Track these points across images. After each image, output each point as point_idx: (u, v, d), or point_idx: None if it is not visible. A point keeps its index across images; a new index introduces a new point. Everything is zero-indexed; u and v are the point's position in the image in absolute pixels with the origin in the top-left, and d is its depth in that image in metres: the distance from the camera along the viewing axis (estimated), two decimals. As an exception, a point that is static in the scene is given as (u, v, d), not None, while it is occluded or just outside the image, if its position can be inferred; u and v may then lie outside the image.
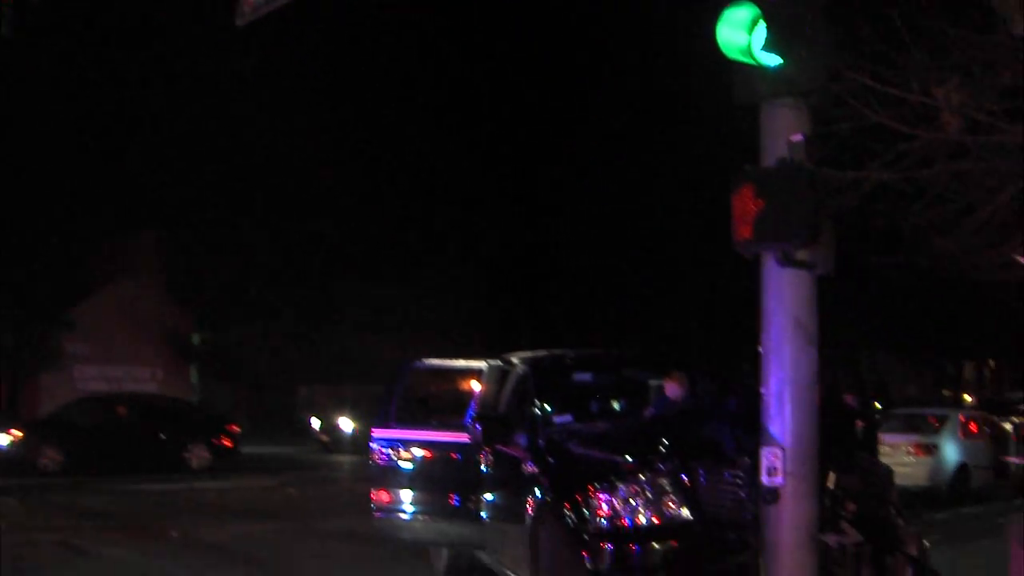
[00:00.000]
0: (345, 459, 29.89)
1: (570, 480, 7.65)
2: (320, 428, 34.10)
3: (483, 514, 9.76)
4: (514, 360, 10.07)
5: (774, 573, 6.87)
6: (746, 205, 6.64)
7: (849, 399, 14.41)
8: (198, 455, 24.82)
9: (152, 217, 37.60)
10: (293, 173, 36.78)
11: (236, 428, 26.43)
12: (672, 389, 9.54)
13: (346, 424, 32.76)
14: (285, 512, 17.40)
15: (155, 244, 39.70)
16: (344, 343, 40.44)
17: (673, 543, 7.06)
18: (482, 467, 9.83)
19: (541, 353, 9.98)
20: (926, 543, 8.20)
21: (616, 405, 10.30)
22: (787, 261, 6.68)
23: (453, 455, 10.34)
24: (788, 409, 6.82)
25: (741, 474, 7.26)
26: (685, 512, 7.12)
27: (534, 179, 39.56)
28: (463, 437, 10.03)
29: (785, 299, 6.84)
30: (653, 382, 9.97)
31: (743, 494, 7.23)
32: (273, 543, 13.20)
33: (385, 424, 10.90)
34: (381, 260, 40.38)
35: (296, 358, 40.03)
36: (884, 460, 19.67)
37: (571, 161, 38.42)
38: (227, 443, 25.82)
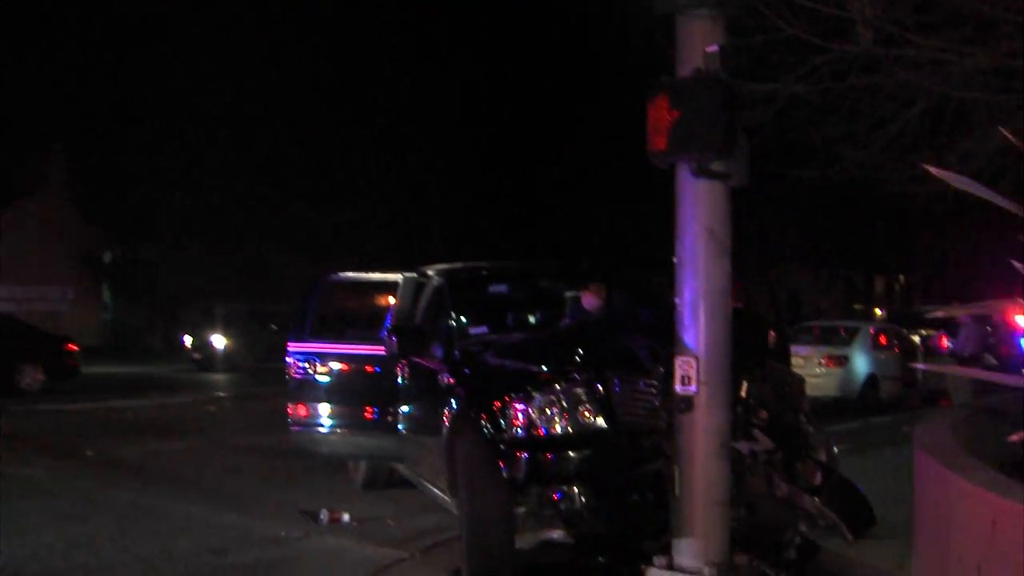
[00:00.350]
0: (219, 377, 29.82)
1: (486, 391, 7.67)
2: (192, 346, 33.86)
3: (400, 426, 9.80)
4: (430, 272, 10.04)
5: (687, 480, 6.98)
6: (661, 115, 6.63)
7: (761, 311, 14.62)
8: (31, 376, 23.31)
9: (60, 132, 36.71)
10: (208, 90, 36.01)
11: (75, 347, 24.92)
12: (589, 300, 9.59)
13: (218, 341, 32.87)
14: (202, 429, 17.27)
15: (64, 160, 38.85)
16: (260, 260, 40.05)
17: (588, 451, 7.09)
18: (399, 380, 9.84)
19: (457, 265, 9.95)
20: (836, 450, 8.38)
21: (532, 317, 10.33)
22: (701, 172, 6.70)
23: (370, 368, 10.37)
24: (702, 319, 6.88)
25: (656, 383, 7.30)
26: (600, 421, 7.15)
27: (451, 87, 39.09)
28: (380, 350, 9.99)
29: (699, 210, 6.87)
30: (569, 294, 10.01)
31: (657, 403, 7.28)
32: (189, 460, 13.13)
33: (301, 338, 10.83)
34: (298, 178, 39.85)
35: (210, 276, 39.54)
36: (796, 371, 20.10)
37: (487, 73, 38.04)
38: (70, 363, 24.47)
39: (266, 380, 23.32)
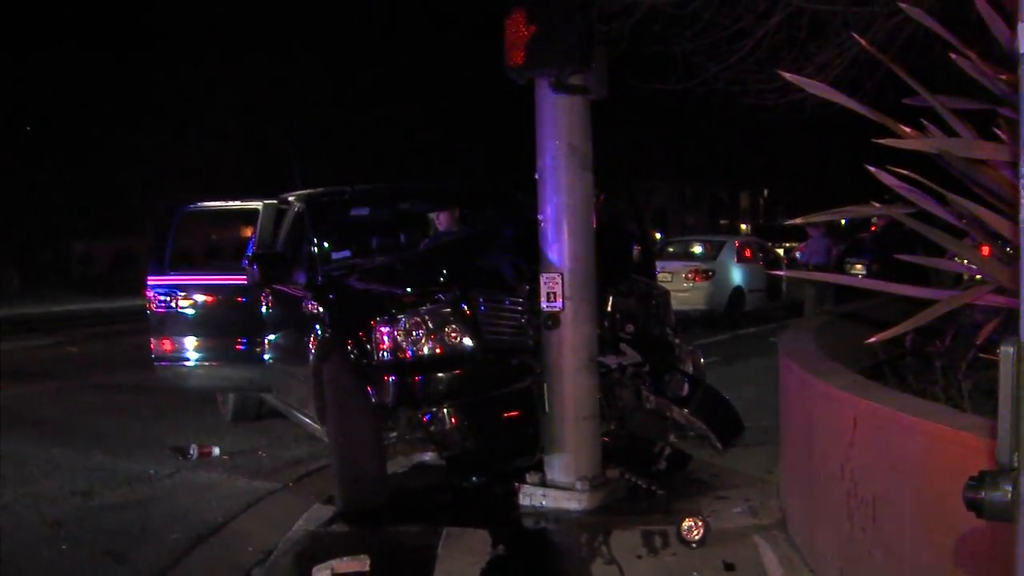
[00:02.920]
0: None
1: (351, 315, 7.53)
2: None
3: (267, 356, 9.64)
4: (290, 199, 9.76)
5: (556, 396, 7.02)
6: (518, 30, 6.54)
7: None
8: None
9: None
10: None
11: None
12: (443, 222, 9.53)
13: None
14: (64, 371, 16.81)
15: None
16: (117, 195, 39.01)
17: (456, 372, 6.99)
18: (262, 308, 9.67)
19: (318, 190, 9.75)
20: (703, 361, 8.50)
21: (395, 239, 10.21)
22: (560, 86, 6.66)
23: (236, 299, 10.12)
24: (565, 234, 6.89)
25: (521, 301, 7.28)
26: (467, 341, 7.05)
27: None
28: (243, 280, 9.71)
29: (559, 125, 6.85)
30: (432, 215, 9.92)
31: (524, 320, 7.27)
32: (52, 402, 12.76)
33: (160, 271, 10.49)
34: (151, 107, 38.84)
35: (66, 214, 38.40)
36: (665, 286, 20.40)
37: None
38: None
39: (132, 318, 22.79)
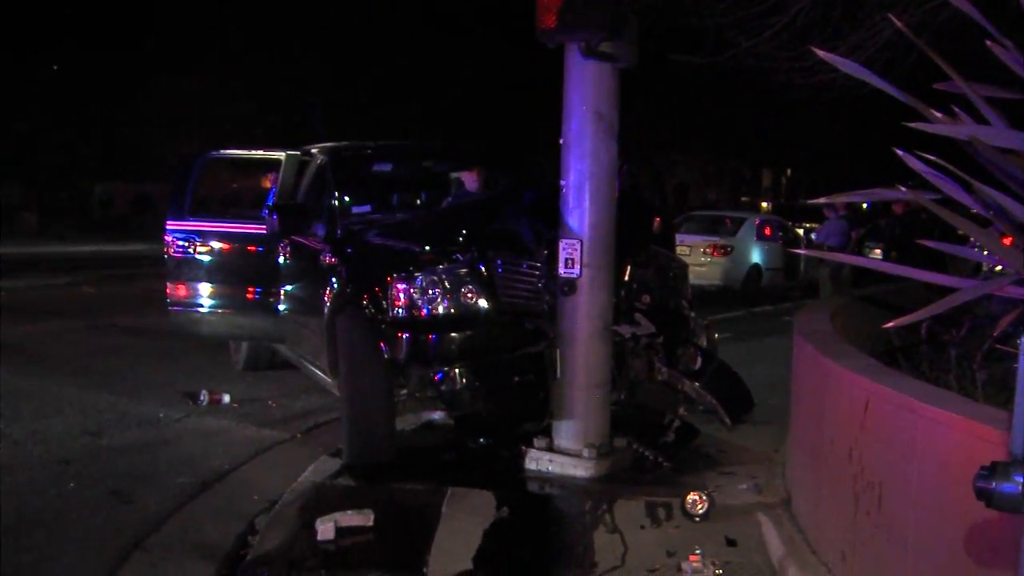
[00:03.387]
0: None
1: (368, 270, 7.56)
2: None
3: (281, 306, 9.65)
4: (313, 151, 9.76)
5: (569, 362, 7.02)
6: (551, -7, 6.50)
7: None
8: None
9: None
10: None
11: None
12: (470, 182, 9.53)
13: None
14: (79, 311, 16.86)
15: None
16: (140, 139, 39.02)
17: (470, 332, 7.02)
18: (280, 259, 9.67)
19: (342, 143, 9.73)
20: (716, 336, 8.49)
21: (416, 197, 10.19)
22: (590, 52, 6.63)
23: (252, 248, 10.12)
24: (587, 201, 6.87)
25: (539, 265, 7.28)
26: (482, 302, 7.09)
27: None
28: (262, 229, 9.82)
29: (587, 91, 6.82)
30: (454, 175, 9.89)
31: (541, 284, 7.28)
32: (64, 341, 12.80)
33: (180, 216, 10.45)
34: (179, 54, 38.81)
35: (88, 154, 38.39)
36: (682, 259, 20.34)
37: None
38: None
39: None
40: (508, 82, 36.98)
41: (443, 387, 7.00)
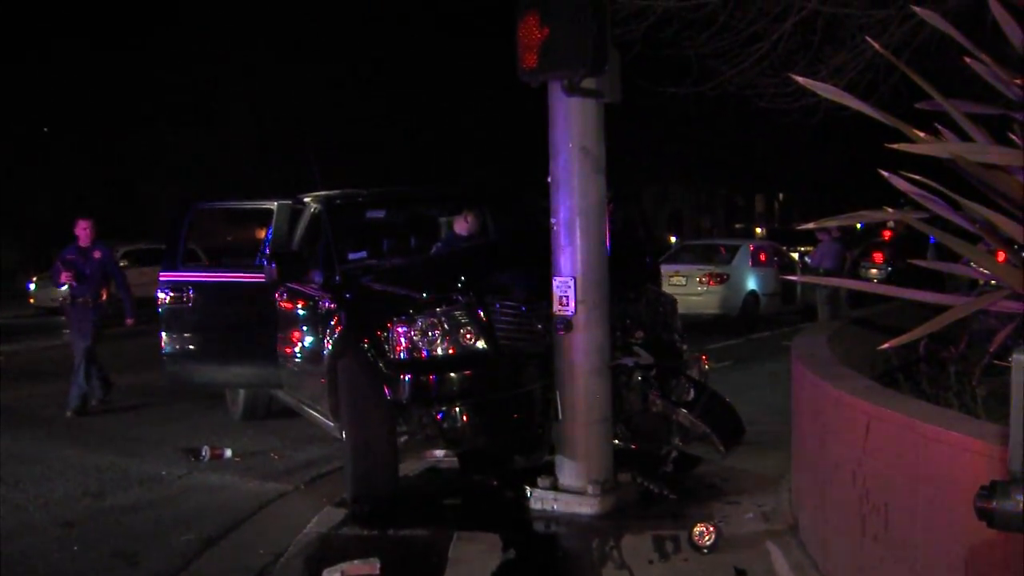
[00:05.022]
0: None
1: (369, 315, 7.70)
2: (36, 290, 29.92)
3: (279, 352, 9.64)
4: (306, 199, 9.86)
5: (569, 398, 7.01)
6: (531, 33, 6.53)
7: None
8: None
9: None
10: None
11: None
12: (461, 226, 9.65)
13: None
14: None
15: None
16: (138, 196, 39.10)
17: (469, 372, 7.18)
18: (277, 305, 9.70)
19: (334, 192, 9.79)
20: (706, 367, 8.48)
21: (408, 242, 10.23)
22: (573, 89, 6.63)
23: (245, 295, 10.14)
24: (578, 238, 6.88)
25: (537, 307, 7.39)
26: (480, 343, 7.23)
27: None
28: (253, 277, 9.94)
29: (572, 128, 6.83)
30: (443, 219, 9.94)
31: (539, 327, 7.38)
32: (64, 403, 12.73)
33: (172, 267, 10.49)
34: (175, 107, 39.00)
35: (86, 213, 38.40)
36: (678, 290, 20.49)
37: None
38: None
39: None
40: (500, 119, 37.10)
41: (445, 425, 7.11)
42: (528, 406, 7.30)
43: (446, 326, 7.22)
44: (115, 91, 37.62)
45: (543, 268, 7.22)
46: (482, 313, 7.31)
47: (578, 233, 6.87)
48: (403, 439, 7.55)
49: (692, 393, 7.52)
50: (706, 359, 8.50)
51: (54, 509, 8.18)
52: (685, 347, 8.45)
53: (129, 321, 13.02)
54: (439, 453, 8.50)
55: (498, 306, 7.41)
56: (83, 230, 12.72)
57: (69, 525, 7.70)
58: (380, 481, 7.36)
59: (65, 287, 12.49)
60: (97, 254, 12.68)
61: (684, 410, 7.43)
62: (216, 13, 37.26)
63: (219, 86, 38.76)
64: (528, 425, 7.35)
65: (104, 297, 12.77)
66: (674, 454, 7.70)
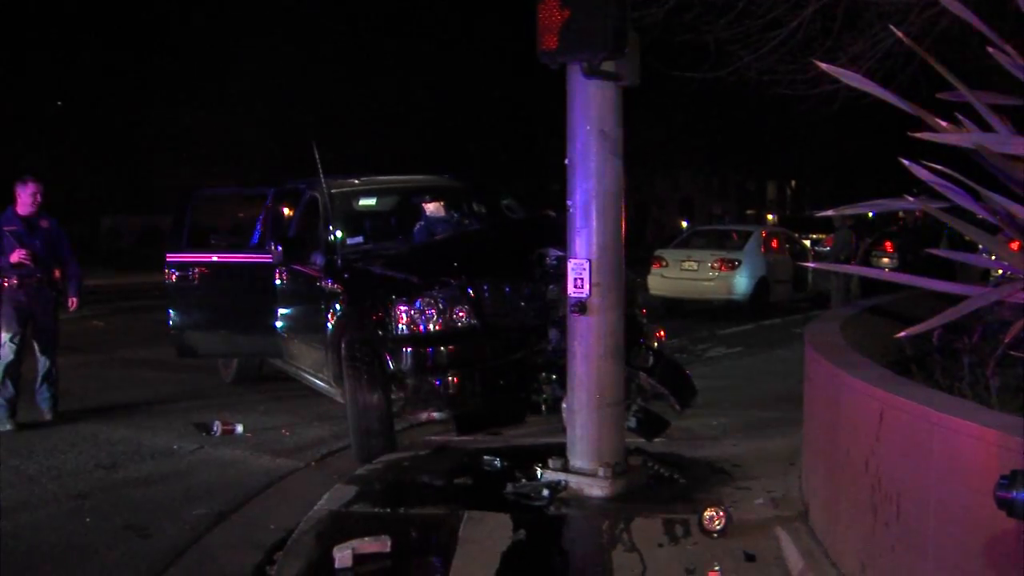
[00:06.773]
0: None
1: (371, 294, 8.68)
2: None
3: (279, 326, 10.74)
4: (302, 186, 10.95)
5: (581, 381, 7.02)
6: (552, 15, 6.51)
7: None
8: None
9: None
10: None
11: None
12: (435, 209, 10.50)
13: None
14: (90, 345, 16.82)
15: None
16: (147, 170, 39.15)
17: (461, 344, 8.28)
18: (277, 284, 10.66)
19: (332, 179, 10.26)
20: (663, 338, 9.31)
21: (399, 225, 10.85)
22: (592, 72, 6.62)
23: (245, 274, 11.09)
24: (594, 220, 6.86)
25: (521, 287, 8.57)
26: (471, 320, 8.35)
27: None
28: (252, 258, 11.08)
29: (590, 110, 6.82)
30: (416, 200, 10.80)
31: (521, 304, 8.58)
32: (77, 375, 12.78)
33: (178, 248, 11.45)
34: (183, 86, 38.98)
35: (95, 187, 38.48)
36: (690, 275, 20.67)
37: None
38: None
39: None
40: (512, 102, 37.04)
41: (441, 391, 8.18)
42: (512, 373, 8.29)
43: (441, 305, 8.29)
44: (131, 72, 37.72)
45: (522, 254, 8.50)
46: (472, 293, 8.39)
47: (594, 216, 6.86)
48: (400, 398, 8.38)
49: (651, 360, 8.31)
50: (663, 334, 9.44)
51: (66, 481, 8.23)
52: (645, 320, 9.24)
53: (73, 302, 10.85)
54: (436, 415, 8.88)
55: (485, 287, 8.49)
56: (30, 195, 10.37)
57: (82, 497, 7.75)
58: (377, 439, 8.40)
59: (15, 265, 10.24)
60: (44, 223, 10.52)
61: (644, 374, 8.18)
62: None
63: (233, 67, 38.76)
64: (512, 390, 8.36)
65: (57, 275, 10.60)
66: (635, 407, 8.02)
